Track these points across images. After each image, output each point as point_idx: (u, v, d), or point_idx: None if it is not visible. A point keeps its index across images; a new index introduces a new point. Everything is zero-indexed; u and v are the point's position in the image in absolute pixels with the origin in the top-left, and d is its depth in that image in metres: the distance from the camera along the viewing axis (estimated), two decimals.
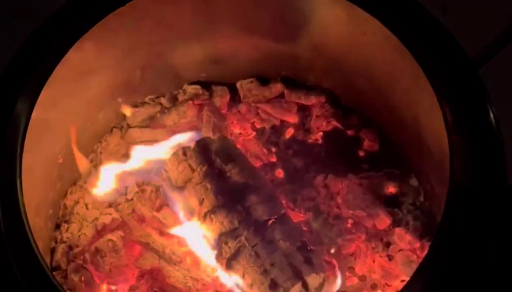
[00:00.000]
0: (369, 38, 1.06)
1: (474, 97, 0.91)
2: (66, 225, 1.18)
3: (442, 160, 0.95)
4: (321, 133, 1.28)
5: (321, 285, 1.01)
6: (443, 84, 0.92)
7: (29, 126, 0.94)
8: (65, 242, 1.16)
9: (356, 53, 1.14)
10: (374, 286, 1.11)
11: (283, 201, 1.16)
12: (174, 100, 1.32)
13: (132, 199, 1.21)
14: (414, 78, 0.99)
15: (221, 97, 1.31)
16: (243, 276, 1.01)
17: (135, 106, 1.31)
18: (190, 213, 1.08)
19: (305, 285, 0.99)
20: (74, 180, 1.24)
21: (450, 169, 0.87)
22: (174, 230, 1.14)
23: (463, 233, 0.84)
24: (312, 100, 1.30)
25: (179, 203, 1.09)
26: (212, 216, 1.03)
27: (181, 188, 1.09)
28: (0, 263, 0.86)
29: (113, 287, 1.13)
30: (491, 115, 0.90)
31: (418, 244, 1.12)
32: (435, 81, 0.93)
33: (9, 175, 0.90)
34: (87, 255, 1.14)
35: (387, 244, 1.14)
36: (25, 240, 0.87)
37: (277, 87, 1.31)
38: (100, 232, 1.16)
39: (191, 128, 1.29)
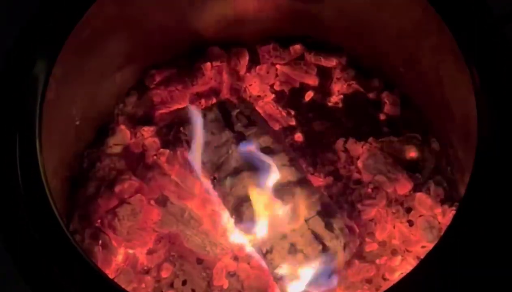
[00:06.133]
0: None
1: (501, 57, 0.90)
2: (83, 189, 1.18)
3: (467, 124, 0.94)
4: (341, 96, 1.26)
5: (342, 250, 1.00)
6: (469, 43, 0.91)
7: (47, 88, 0.94)
8: (82, 205, 1.16)
9: (380, 13, 1.11)
10: (394, 252, 1.11)
11: (303, 165, 1.15)
12: (192, 61, 1.31)
13: (150, 163, 1.20)
14: (439, 39, 0.97)
15: (240, 59, 1.30)
16: (262, 241, 1.01)
17: (153, 66, 1.30)
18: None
19: (325, 250, 0.99)
20: (90, 143, 1.23)
21: (477, 133, 0.86)
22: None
23: (490, 198, 0.83)
24: (332, 62, 1.28)
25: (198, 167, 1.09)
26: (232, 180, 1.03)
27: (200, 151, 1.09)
28: (19, 225, 0.86)
29: (131, 251, 1.13)
30: None
31: (439, 210, 1.12)
32: (462, 41, 0.91)
33: (29, 136, 0.90)
34: (104, 219, 1.14)
35: (408, 210, 1.14)
36: (44, 202, 0.87)
37: (297, 49, 1.30)
38: (117, 195, 1.15)
39: (209, 90, 1.28)
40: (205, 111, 1.10)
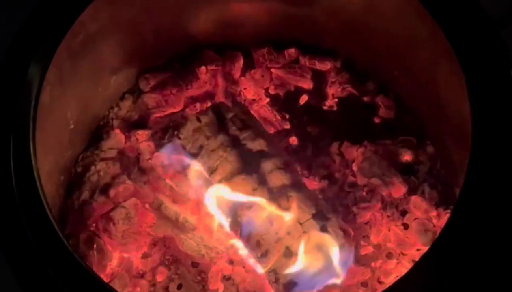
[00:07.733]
0: (388, 1, 1.04)
1: (496, 60, 0.90)
2: (77, 192, 1.17)
3: (461, 127, 0.94)
4: (336, 100, 1.26)
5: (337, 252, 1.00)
6: (464, 47, 0.91)
7: (41, 91, 0.93)
8: (77, 209, 1.15)
9: (375, 16, 1.11)
10: (389, 255, 1.11)
11: (298, 169, 1.15)
12: (187, 65, 1.30)
13: (145, 167, 1.20)
14: (434, 42, 0.97)
15: (234, 62, 1.29)
16: (258, 244, 1.01)
17: (147, 70, 1.30)
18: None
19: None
20: (85, 147, 1.23)
21: (472, 136, 0.86)
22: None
23: (485, 201, 0.83)
24: (327, 65, 1.28)
25: (192, 171, 1.09)
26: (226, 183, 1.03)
27: (195, 155, 1.08)
28: (14, 230, 0.86)
29: (126, 255, 1.13)
30: None
31: (434, 213, 1.12)
32: (456, 44, 0.91)
33: (23, 140, 0.89)
34: (99, 223, 1.13)
35: (403, 213, 1.14)
36: (38, 206, 0.86)
37: (292, 52, 1.29)
38: (112, 199, 1.15)
39: (204, 94, 1.28)
40: (199, 115, 1.10)
